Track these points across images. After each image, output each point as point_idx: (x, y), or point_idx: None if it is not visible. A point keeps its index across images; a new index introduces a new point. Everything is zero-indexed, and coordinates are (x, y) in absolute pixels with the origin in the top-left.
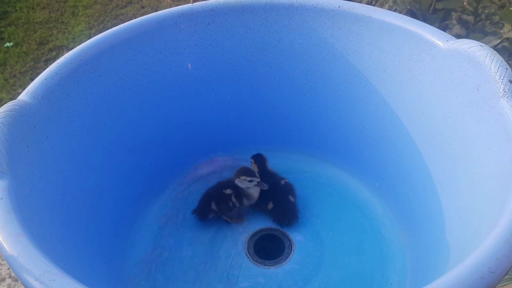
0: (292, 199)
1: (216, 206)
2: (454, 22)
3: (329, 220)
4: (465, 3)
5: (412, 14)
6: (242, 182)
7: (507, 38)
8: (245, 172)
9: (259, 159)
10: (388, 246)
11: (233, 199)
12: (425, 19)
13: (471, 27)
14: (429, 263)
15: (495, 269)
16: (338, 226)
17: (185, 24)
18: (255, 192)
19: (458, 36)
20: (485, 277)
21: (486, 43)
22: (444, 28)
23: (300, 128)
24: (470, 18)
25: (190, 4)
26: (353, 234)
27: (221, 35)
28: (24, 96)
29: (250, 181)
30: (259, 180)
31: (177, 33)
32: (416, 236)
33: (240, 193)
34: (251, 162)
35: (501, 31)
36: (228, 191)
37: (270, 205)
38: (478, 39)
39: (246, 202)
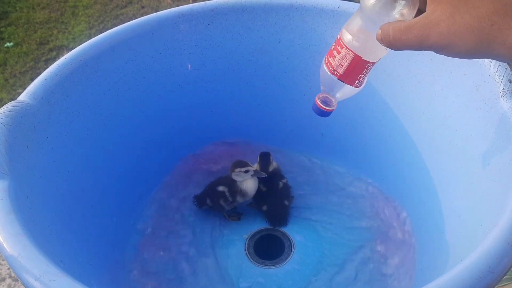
0: (286, 203)
1: (211, 202)
2: None
3: (329, 220)
4: None
5: None
6: (238, 175)
7: None
8: (239, 164)
9: (263, 158)
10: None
11: (227, 195)
12: None
13: None
14: (429, 262)
15: (495, 268)
16: (338, 226)
17: (185, 25)
18: (250, 188)
19: None
20: (484, 277)
21: None
22: None
23: (300, 128)
24: None
25: (190, 5)
26: (353, 234)
27: (221, 36)
28: (24, 96)
29: (246, 171)
30: (255, 169)
31: (177, 33)
32: (416, 236)
33: (234, 189)
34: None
35: None
36: (221, 188)
37: (265, 207)
38: None
39: (240, 199)
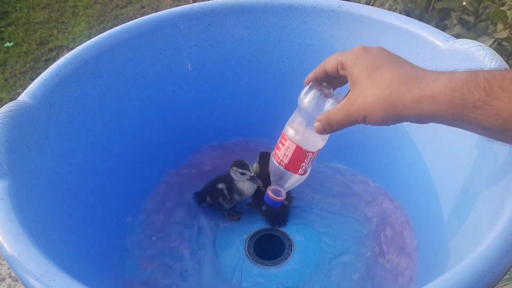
0: (286, 203)
1: (211, 200)
2: (455, 22)
3: (329, 220)
4: (465, 3)
5: (407, 14)
6: (234, 174)
7: (499, 38)
8: (238, 164)
9: (262, 158)
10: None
11: (225, 192)
12: (421, 19)
13: (472, 28)
14: (429, 262)
15: (495, 268)
16: (338, 225)
17: (185, 25)
18: (247, 188)
19: (459, 36)
20: (484, 277)
21: None
22: (443, 28)
23: None
24: (471, 19)
25: (190, 5)
26: (353, 233)
27: (221, 36)
28: (24, 96)
29: (242, 173)
30: (252, 174)
31: (177, 33)
32: (416, 236)
33: (231, 187)
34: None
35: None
36: (220, 186)
37: (264, 207)
38: (472, 39)
39: (237, 197)
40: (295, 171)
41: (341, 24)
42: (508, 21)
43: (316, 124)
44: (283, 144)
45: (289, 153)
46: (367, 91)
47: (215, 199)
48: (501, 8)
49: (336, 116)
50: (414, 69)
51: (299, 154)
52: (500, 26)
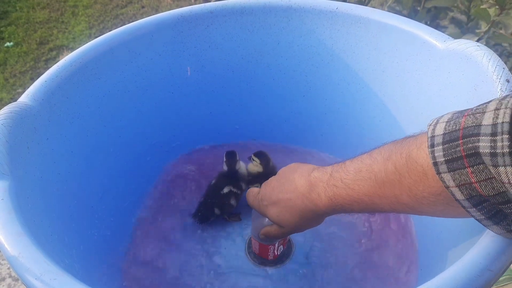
0: None
1: (220, 210)
2: (447, 22)
3: (329, 220)
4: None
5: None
6: (239, 163)
7: (485, 32)
8: (234, 154)
9: (260, 157)
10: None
11: (234, 190)
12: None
13: (464, 26)
14: (429, 262)
15: (493, 266)
16: (338, 226)
17: (184, 27)
18: (243, 167)
19: (452, 36)
20: (482, 275)
21: None
22: (435, 27)
23: (299, 129)
24: (463, 18)
25: (189, 7)
26: (353, 233)
27: (220, 37)
28: (24, 98)
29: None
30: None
31: (176, 35)
32: (416, 235)
33: (237, 180)
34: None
35: (479, 30)
36: (226, 189)
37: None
38: (456, 37)
39: (244, 185)
40: (266, 257)
41: (340, 25)
42: (491, 19)
43: (261, 237)
44: (253, 239)
45: (256, 246)
46: (273, 215)
47: (226, 204)
48: (482, 6)
49: (272, 230)
50: (291, 195)
51: (262, 247)
52: (484, 24)
